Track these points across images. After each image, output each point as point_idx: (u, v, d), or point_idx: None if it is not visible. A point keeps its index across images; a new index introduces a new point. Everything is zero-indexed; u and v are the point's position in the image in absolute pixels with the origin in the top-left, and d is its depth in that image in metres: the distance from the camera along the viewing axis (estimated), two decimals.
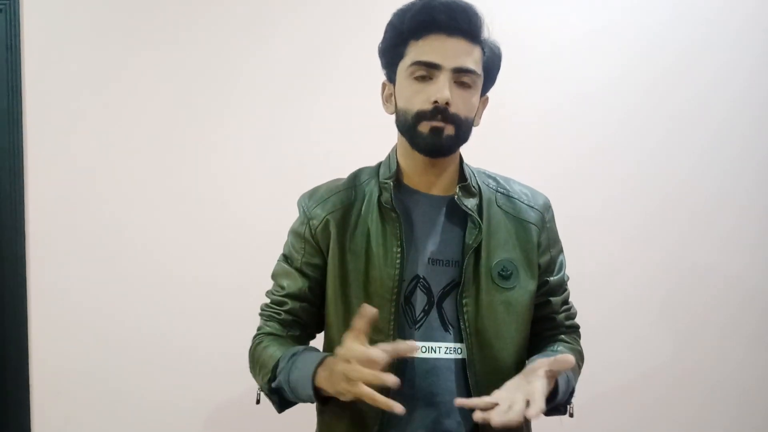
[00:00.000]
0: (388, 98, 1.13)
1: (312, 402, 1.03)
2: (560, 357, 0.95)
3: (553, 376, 0.98)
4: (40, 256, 1.89)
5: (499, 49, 1.11)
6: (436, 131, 1.04)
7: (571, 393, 1.10)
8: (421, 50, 1.04)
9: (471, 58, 1.05)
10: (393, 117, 1.12)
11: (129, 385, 1.90)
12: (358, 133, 1.86)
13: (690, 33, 1.94)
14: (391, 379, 0.87)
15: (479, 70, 1.07)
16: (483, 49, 1.08)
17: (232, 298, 1.88)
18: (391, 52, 1.09)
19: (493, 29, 1.08)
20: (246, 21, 1.90)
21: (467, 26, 1.04)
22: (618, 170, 1.94)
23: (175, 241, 1.90)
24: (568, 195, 1.90)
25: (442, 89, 1.02)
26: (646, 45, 1.94)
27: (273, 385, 1.06)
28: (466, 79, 1.05)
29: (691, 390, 1.94)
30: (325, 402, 1.02)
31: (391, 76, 1.12)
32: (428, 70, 1.04)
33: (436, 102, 1.02)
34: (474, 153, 1.20)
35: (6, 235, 1.88)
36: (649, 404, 1.94)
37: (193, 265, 1.90)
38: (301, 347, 1.09)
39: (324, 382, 0.97)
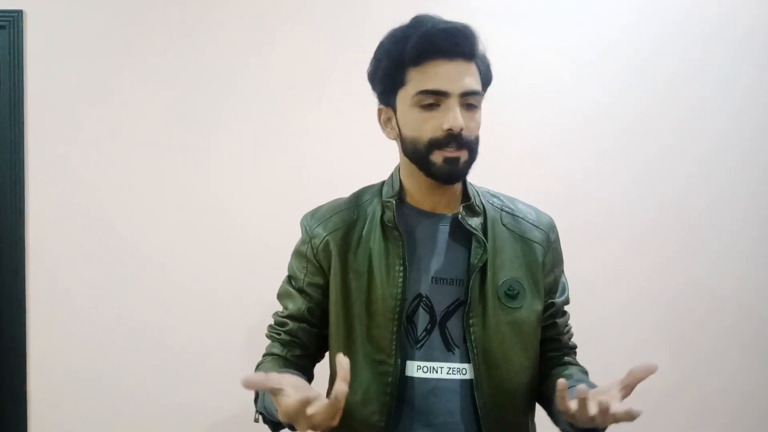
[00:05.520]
0: (387, 123, 1.11)
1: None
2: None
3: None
4: (40, 265, 1.89)
5: (487, 59, 1.09)
6: (451, 161, 1.02)
7: None
8: (424, 78, 1.02)
9: (474, 79, 1.04)
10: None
11: (128, 394, 1.90)
12: (356, 142, 1.86)
13: (689, 47, 1.95)
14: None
15: (481, 88, 1.06)
16: (478, 65, 1.06)
17: (232, 303, 1.89)
18: (389, 80, 1.06)
19: (486, 43, 1.06)
20: (243, 31, 1.91)
21: (469, 49, 1.03)
22: (618, 181, 1.95)
23: (174, 248, 1.90)
24: (568, 205, 1.91)
25: (456, 117, 1.00)
26: (645, 59, 1.94)
27: (258, 409, 1.06)
28: (472, 100, 1.03)
29: (685, 399, 1.95)
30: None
31: (387, 101, 1.09)
32: (435, 98, 1.01)
33: (450, 130, 1.00)
34: (477, 165, 1.19)
35: (6, 244, 1.87)
36: (643, 412, 1.94)
37: (193, 272, 1.90)
38: (275, 370, 1.04)
39: None
